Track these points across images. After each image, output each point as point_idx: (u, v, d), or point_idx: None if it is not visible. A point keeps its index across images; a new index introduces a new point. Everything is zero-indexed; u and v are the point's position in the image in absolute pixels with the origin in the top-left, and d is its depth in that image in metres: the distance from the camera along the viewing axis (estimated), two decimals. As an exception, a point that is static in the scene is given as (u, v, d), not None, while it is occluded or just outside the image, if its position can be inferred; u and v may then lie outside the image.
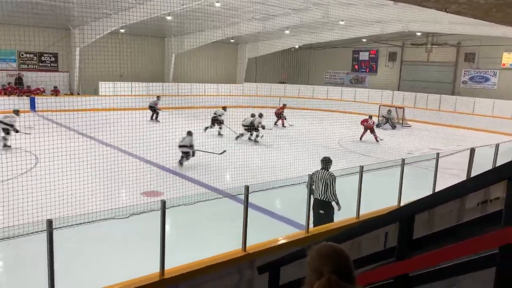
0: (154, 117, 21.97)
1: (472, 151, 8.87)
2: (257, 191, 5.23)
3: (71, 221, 4.34)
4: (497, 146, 9.24)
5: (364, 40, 29.50)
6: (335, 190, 6.80)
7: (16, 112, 14.48)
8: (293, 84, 31.95)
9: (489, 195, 8.77)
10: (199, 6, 18.30)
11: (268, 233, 6.05)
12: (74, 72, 24.68)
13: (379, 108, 24.32)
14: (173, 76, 28.97)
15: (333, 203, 6.81)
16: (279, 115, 22.54)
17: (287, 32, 26.24)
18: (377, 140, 17.77)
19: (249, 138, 17.55)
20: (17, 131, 13.92)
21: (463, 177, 9.60)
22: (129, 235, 6.59)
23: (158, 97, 22.39)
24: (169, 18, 20.63)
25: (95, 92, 24.83)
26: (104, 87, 24.62)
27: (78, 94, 24.89)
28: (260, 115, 18.01)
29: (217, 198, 5.23)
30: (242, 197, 5.22)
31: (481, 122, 22.85)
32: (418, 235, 2.91)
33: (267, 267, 4.14)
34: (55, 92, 24.11)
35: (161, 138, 12.82)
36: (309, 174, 6.39)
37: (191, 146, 12.74)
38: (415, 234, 2.90)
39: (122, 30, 23.43)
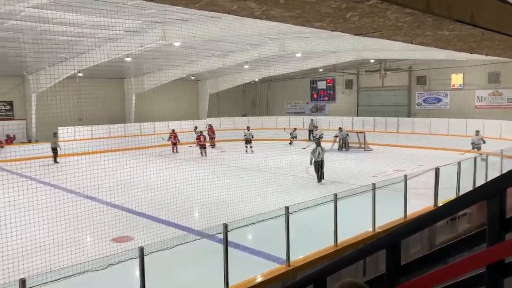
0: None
1: (437, 170, 9.18)
2: (235, 229, 5.16)
3: (46, 278, 4.09)
4: (459, 163, 9.62)
5: (321, 70, 30.49)
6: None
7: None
8: (256, 116, 32.35)
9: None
10: (158, 46, 18.42)
11: (248, 270, 5.94)
12: (31, 119, 23.95)
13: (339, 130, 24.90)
14: (134, 116, 28.67)
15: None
16: None
17: (246, 66, 26.76)
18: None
19: None
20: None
21: (429, 195, 9.89)
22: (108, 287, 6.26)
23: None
24: (128, 59, 20.59)
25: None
26: (63, 132, 24.00)
27: (37, 141, 24.05)
28: None
29: (196, 239, 5.11)
30: (219, 235, 5.13)
31: (438, 140, 23.78)
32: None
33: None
34: (10, 140, 23.19)
35: (127, 180, 12.52)
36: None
37: None
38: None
39: (80, 74, 23.11)
